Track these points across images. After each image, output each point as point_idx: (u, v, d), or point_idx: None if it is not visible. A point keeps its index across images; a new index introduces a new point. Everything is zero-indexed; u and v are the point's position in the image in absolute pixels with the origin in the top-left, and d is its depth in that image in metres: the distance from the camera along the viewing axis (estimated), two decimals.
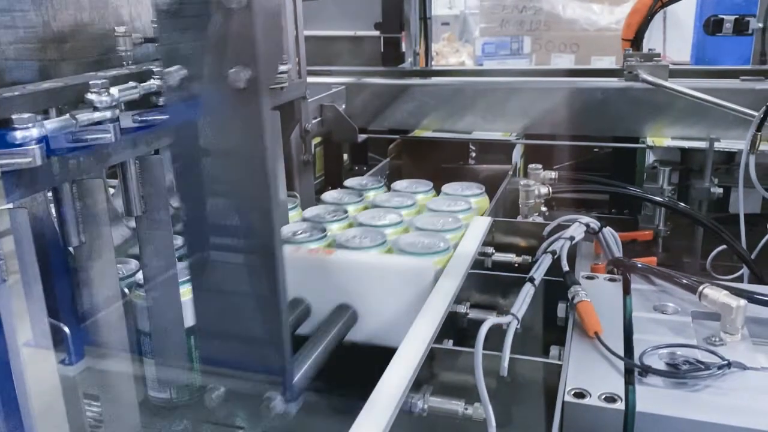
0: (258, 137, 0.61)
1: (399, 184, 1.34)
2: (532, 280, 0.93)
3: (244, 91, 0.59)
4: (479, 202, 1.27)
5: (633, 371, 0.73)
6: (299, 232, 1.07)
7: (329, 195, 1.28)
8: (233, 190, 0.65)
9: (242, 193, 0.64)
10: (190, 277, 0.71)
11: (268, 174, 0.62)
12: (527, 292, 0.90)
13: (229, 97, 0.60)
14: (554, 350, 0.86)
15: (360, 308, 0.95)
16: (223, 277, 0.68)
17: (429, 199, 1.27)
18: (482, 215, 1.22)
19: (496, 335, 0.79)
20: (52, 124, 0.68)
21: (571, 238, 1.03)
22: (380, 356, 0.77)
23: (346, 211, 1.19)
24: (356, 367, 0.87)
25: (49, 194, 0.77)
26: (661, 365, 0.73)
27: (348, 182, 1.36)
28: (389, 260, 1.01)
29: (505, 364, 0.76)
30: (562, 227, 1.08)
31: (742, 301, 0.78)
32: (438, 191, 1.31)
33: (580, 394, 0.70)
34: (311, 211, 1.19)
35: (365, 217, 1.16)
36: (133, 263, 0.98)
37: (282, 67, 1.13)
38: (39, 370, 0.71)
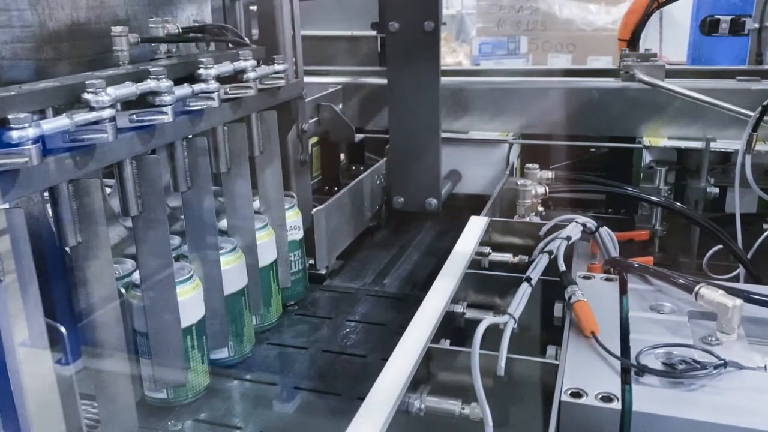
0: (435, 58, 1.45)
1: None
2: (528, 279, 0.93)
3: (430, 34, 1.42)
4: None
5: (630, 371, 0.73)
6: None
7: None
8: (420, 91, 1.47)
9: (424, 92, 1.47)
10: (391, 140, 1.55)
11: (437, 83, 1.48)
12: (524, 291, 0.90)
13: (422, 37, 1.43)
14: (551, 350, 0.86)
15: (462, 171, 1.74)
16: (410, 137, 1.51)
17: None
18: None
19: (494, 335, 0.79)
20: (48, 124, 0.68)
21: (568, 238, 1.03)
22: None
23: None
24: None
25: (46, 194, 0.77)
26: (657, 365, 0.73)
27: None
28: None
29: (502, 363, 0.76)
30: (558, 227, 1.08)
31: (738, 301, 0.79)
32: None
33: (576, 394, 0.70)
34: None
35: None
36: (130, 263, 0.98)
37: (278, 67, 1.13)
38: (35, 370, 0.71)
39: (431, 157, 1.51)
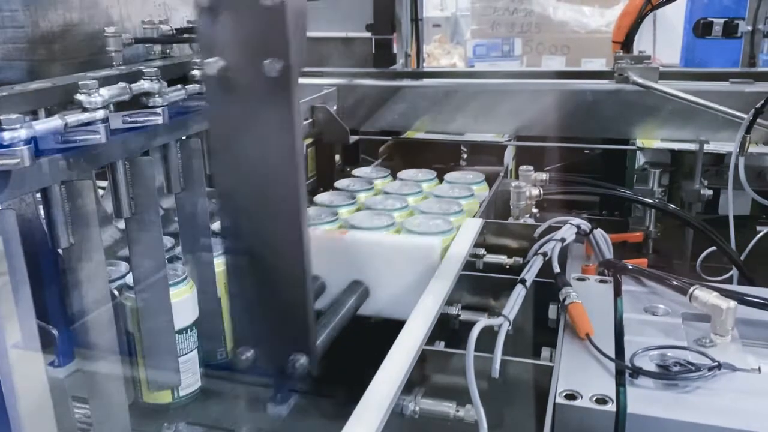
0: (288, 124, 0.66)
1: (405, 173, 1.43)
2: (523, 281, 0.93)
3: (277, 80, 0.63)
4: (480, 189, 1.38)
5: (624, 373, 0.73)
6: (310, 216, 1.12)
7: (341, 183, 1.38)
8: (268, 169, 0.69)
9: (276, 170, 0.68)
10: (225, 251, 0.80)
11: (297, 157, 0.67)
12: (518, 293, 0.90)
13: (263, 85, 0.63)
14: (545, 352, 0.86)
15: (372, 284, 1.04)
16: (258, 245, 0.72)
17: (433, 187, 1.37)
18: (480, 203, 1.33)
19: (489, 337, 0.79)
20: (40, 125, 0.67)
21: (562, 240, 1.03)
22: (392, 330, 0.82)
23: (354, 197, 1.28)
24: (368, 341, 0.91)
25: (38, 195, 0.77)
26: (652, 367, 0.73)
27: (356, 171, 1.48)
28: (399, 239, 1.09)
29: (497, 365, 0.76)
30: (553, 229, 1.08)
31: (732, 303, 0.79)
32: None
33: (571, 396, 0.70)
34: (322, 197, 1.28)
35: (374, 202, 1.26)
36: (123, 265, 0.97)
37: None
38: (27, 372, 0.70)
39: (295, 285, 0.71)
